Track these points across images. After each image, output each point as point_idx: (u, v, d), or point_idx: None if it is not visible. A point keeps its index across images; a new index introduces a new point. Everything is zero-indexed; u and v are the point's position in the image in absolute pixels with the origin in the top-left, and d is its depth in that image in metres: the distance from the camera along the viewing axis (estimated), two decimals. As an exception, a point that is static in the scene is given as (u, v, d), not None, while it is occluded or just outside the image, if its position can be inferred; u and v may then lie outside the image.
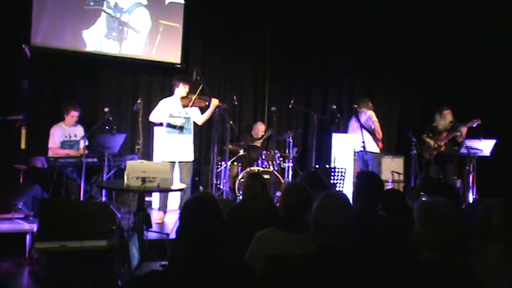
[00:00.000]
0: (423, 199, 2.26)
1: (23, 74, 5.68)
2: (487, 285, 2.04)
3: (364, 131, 6.86)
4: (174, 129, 5.64)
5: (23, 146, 5.50)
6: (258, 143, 7.10)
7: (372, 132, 6.91)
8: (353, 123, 7.13)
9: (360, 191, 2.99)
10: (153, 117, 5.70)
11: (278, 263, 2.29)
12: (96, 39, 6.64)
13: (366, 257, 2.19)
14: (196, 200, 2.06)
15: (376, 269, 2.14)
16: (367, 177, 3.12)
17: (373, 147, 6.92)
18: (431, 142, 7.09)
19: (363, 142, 6.73)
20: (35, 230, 4.43)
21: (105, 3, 6.67)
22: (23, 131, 5.51)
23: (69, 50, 6.50)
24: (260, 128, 7.38)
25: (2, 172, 5.93)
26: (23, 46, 5.66)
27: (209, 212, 1.99)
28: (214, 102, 5.72)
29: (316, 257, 2.13)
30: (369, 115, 6.98)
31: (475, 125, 6.89)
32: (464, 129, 6.96)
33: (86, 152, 5.50)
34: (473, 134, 6.97)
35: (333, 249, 2.13)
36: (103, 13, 6.67)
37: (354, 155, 7.19)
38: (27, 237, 4.48)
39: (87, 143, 5.68)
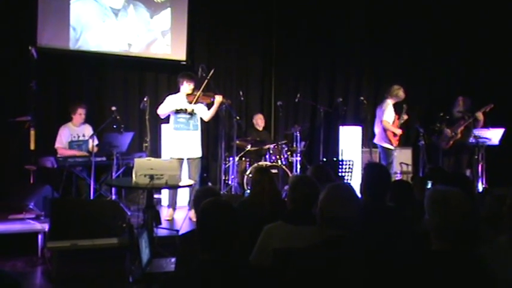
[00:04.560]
0: (436, 188, 2.24)
1: (30, 75, 5.72)
2: (496, 273, 2.04)
3: (378, 121, 6.82)
4: (185, 114, 5.64)
5: (32, 146, 5.56)
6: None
7: (384, 128, 6.77)
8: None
9: (367, 183, 2.98)
10: (161, 110, 5.71)
11: (286, 256, 2.30)
12: (101, 38, 6.67)
13: (373, 248, 2.19)
14: (213, 205, 2.07)
15: (384, 260, 2.14)
16: (374, 169, 3.11)
17: (382, 141, 6.83)
18: (449, 131, 7.01)
19: (374, 134, 6.71)
20: (46, 229, 4.48)
21: (110, 2, 6.70)
22: (32, 132, 5.56)
23: (74, 50, 6.54)
24: (259, 117, 7.41)
25: (13, 173, 6.00)
26: (30, 47, 5.68)
27: (228, 216, 2.01)
28: (218, 99, 5.72)
29: (323, 249, 2.14)
30: (383, 109, 6.78)
31: (488, 109, 6.82)
32: (480, 115, 6.88)
33: (96, 150, 5.54)
34: (485, 121, 6.93)
35: (339, 241, 2.13)
36: (108, 12, 6.70)
37: (367, 148, 7.18)
38: (39, 236, 4.55)
39: (96, 142, 5.72)
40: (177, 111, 5.65)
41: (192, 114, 5.68)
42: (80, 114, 5.91)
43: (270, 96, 7.94)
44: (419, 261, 2.07)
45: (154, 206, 4.34)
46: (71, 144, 5.90)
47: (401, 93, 6.81)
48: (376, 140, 6.92)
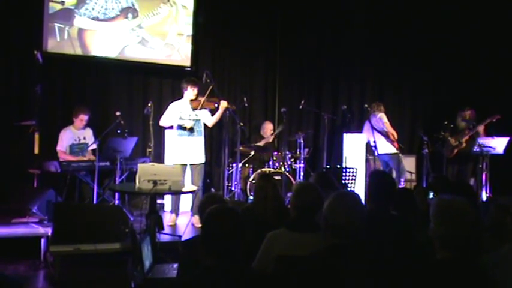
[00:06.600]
0: (443, 196, 2.24)
1: (36, 79, 5.75)
2: (499, 282, 2.03)
3: (376, 133, 6.83)
4: (184, 131, 5.67)
5: (36, 150, 5.58)
6: (269, 139, 7.15)
7: (385, 134, 6.87)
8: (367, 126, 7.04)
9: (372, 190, 2.97)
10: (163, 121, 5.74)
11: (289, 263, 2.30)
12: (106, 43, 6.70)
13: (377, 257, 2.18)
14: (218, 211, 2.08)
15: (388, 268, 2.13)
16: (379, 177, 3.10)
17: (388, 148, 6.89)
18: (452, 140, 7.01)
19: (374, 142, 6.71)
20: (49, 233, 4.48)
21: (115, 8, 6.74)
22: (36, 136, 5.58)
23: (79, 55, 6.57)
24: (268, 127, 7.38)
25: (17, 177, 6.01)
26: (35, 52, 5.72)
27: (233, 223, 2.02)
28: (223, 104, 5.73)
29: (326, 256, 2.13)
30: (379, 117, 6.95)
31: (495, 120, 6.84)
32: (481, 128, 6.90)
33: (93, 156, 5.54)
34: (487, 132, 6.91)
35: (343, 249, 2.13)
36: (113, 18, 6.73)
37: (371, 155, 7.18)
38: (42, 240, 4.54)
39: (95, 147, 5.73)
40: (180, 127, 5.65)
41: (192, 129, 5.67)
42: (81, 120, 5.93)
43: (274, 102, 7.94)
44: (423, 270, 2.07)
45: (157, 211, 4.34)
46: (72, 147, 5.92)
47: (382, 107, 7.15)
48: (381, 151, 6.86)
